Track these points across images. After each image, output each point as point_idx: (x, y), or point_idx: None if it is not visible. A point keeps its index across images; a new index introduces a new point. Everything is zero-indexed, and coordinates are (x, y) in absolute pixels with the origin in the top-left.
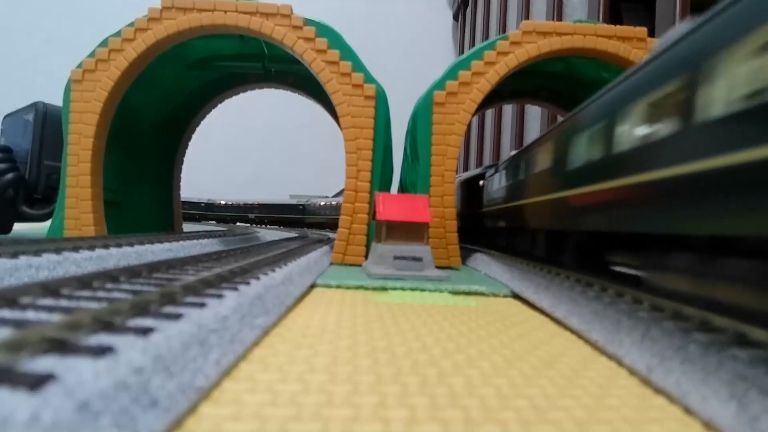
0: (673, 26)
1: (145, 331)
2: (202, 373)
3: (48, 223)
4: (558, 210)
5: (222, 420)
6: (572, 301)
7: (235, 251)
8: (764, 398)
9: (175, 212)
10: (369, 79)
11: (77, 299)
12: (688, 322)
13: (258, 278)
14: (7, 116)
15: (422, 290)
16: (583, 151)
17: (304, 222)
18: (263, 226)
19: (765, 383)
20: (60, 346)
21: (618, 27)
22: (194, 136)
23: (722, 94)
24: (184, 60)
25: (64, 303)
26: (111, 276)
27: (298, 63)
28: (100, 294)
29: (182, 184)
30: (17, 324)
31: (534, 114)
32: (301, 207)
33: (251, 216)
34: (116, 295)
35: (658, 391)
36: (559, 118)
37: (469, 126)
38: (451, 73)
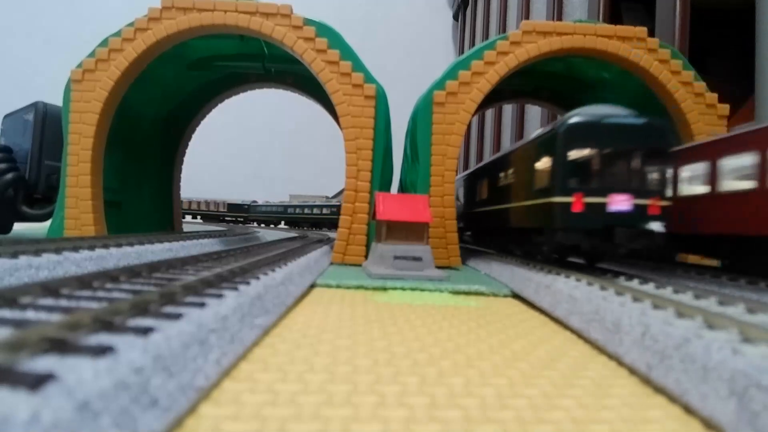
0: (672, 26)
1: (145, 331)
2: (202, 373)
3: (48, 223)
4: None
5: (222, 420)
6: (572, 300)
7: (235, 251)
8: (764, 395)
9: (175, 212)
10: (369, 78)
11: (77, 299)
12: (689, 320)
13: (258, 278)
14: (7, 116)
15: (422, 290)
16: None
17: None
18: (320, 228)
19: (765, 381)
20: (60, 346)
21: (618, 27)
22: (194, 136)
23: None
24: (184, 60)
25: (64, 303)
26: (111, 276)
27: (298, 63)
28: (100, 294)
29: (186, 184)
30: (17, 324)
31: (534, 114)
32: None
33: (297, 216)
34: (116, 295)
35: (658, 390)
36: (559, 118)
37: (469, 126)
38: (451, 73)
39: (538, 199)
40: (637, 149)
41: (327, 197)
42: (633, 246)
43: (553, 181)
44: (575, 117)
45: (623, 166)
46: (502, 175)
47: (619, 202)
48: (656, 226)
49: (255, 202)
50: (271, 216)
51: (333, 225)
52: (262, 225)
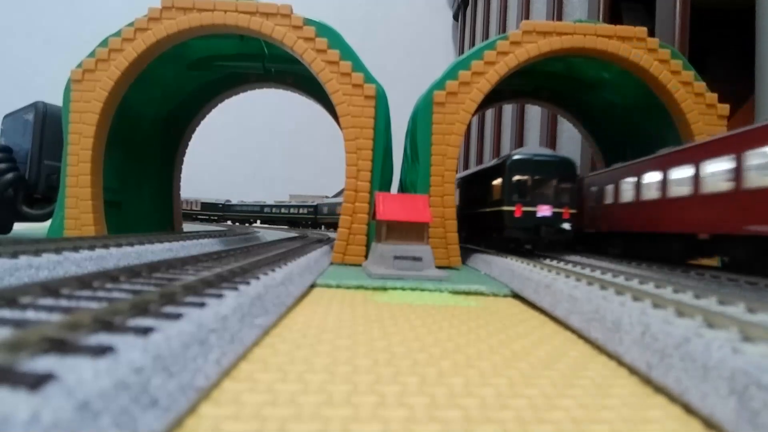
0: (672, 26)
1: (145, 331)
2: (202, 373)
3: (48, 223)
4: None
5: (222, 420)
6: (572, 299)
7: (235, 251)
8: (764, 394)
9: (175, 212)
10: (369, 78)
11: (77, 299)
12: (689, 319)
13: (258, 278)
14: (7, 116)
15: (422, 290)
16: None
17: None
18: (296, 227)
19: (765, 380)
20: (60, 346)
21: (618, 27)
22: (194, 136)
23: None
24: (184, 60)
25: (64, 303)
26: (111, 276)
27: (297, 63)
28: (100, 294)
29: (186, 184)
30: (17, 324)
31: (534, 114)
32: None
33: (273, 216)
34: (116, 295)
35: (658, 390)
36: (559, 119)
37: (469, 126)
38: (451, 73)
39: (494, 207)
40: (554, 177)
41: (327, 197)
42: (552, 238)
43: (503, 196)
44: (517, 155)
45: (546, 187)
46: (471, 188)
47: (544, 210)
48: (567, 226)
49: (229, 201)
50: (246, 215)
51: (309, 224)
52: (237, 223)
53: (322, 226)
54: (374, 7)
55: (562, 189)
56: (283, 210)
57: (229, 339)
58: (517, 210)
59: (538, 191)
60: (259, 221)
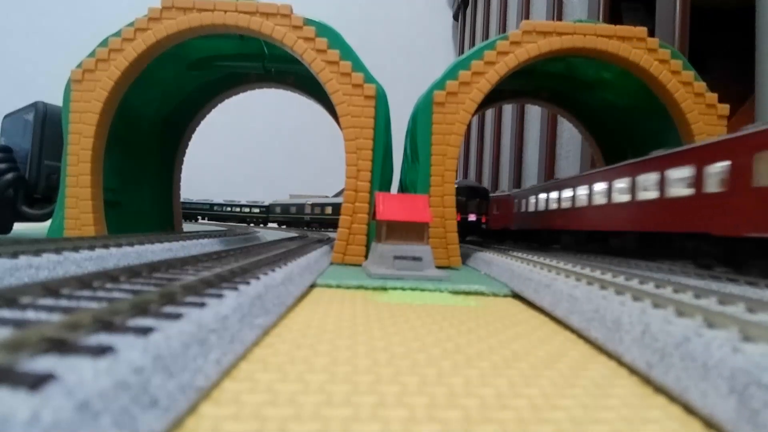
0: (672, 26)
1: (145, 331)
2: (202, 372)
3: (48, 223)
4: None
5: (222, 420)
6: (572, 299)
7: (235, 251)
8: (764, 393)
9: (175, 212)
10: (369, 78)
11: (77, 299)
12: (689, 319)
13: (258, 278)
14: (7, 116)
15: (422, 290)
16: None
17: None
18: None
19: (765, 379)
20: (60, 346)
21: (618, 27)
22: (194, 136)
23: None
24: (184, 60)
25: (64, 303)
26: (111, 276)
27: (298, 63)
28: (100, 294)
29: (183, 184)
30: (17, 324)
31: (534, 114)
32: None
33: (225, 214)
34: (116, 295)
35: (658, 390)
36: (559, 119)
37: (469, 126)
38: (451, 73)
39: None
40: (478, 197)
41: (327, 197)
42: (476, 233)
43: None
44: (457, 184)
45: (472, 203)
46: None
47: (471, 216)
48: (484, 226)
49: None
50: (191, 212)
51: (260, 222)
52: (186, 220)
53: (261, 224)
54: (374, 7)
55: (481, 204)
56: (235, 209)
57: (229, 339)
58: (458, 217)
59: (469, 205)
60: (206, 218)
